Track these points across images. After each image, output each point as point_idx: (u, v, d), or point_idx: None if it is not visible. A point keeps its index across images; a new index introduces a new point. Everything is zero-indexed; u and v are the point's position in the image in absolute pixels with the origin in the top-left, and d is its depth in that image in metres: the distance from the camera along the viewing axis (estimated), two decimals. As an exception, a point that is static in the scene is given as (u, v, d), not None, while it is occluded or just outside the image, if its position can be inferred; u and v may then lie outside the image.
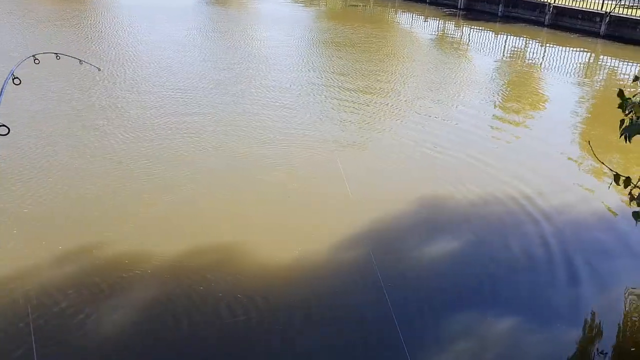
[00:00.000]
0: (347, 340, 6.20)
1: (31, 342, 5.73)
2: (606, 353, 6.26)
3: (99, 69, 6.50)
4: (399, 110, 14.34)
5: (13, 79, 4.85)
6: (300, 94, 15.23)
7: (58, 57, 6.30)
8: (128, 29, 24.16)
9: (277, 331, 6.26)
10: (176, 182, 9.53)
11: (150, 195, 9.06)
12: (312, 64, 19.37)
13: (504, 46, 25.66)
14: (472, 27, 30.58)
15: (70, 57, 7.15)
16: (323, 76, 17.45)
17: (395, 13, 35.62)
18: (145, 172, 9.83)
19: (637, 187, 5.11)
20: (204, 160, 10.48)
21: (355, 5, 38.25)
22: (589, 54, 24.46)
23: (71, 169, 9.85)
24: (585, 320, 6.68)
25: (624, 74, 20.87)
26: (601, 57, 24.21)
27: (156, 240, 7.81)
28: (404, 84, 17.29)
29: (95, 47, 20.42)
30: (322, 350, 6.07)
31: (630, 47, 24.33)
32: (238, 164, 10.43)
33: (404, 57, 22.15)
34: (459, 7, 35.46)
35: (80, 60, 5.87)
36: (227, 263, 7.43)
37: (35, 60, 6.03)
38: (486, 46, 25.57)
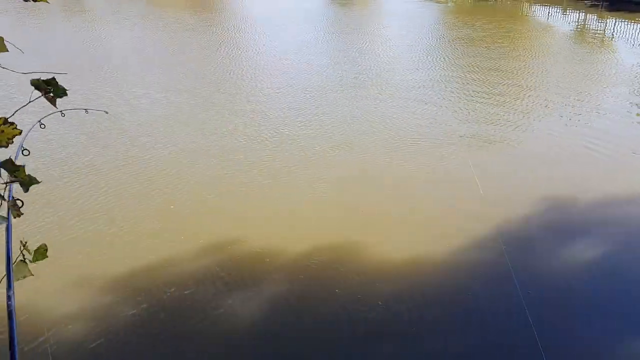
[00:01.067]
0: (481, 349, 6.12)
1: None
2: None
3: (107, 112, 6.37)
4: (540, 106, 14.41)
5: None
6: (439, 89, 15.91)
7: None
8: (255, 36, 26.33)
9: (404, 334, 6.28)
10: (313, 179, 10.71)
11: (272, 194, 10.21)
12: (449, 61, 19.84)
13: (656, 39, 23.84)
14: (618, 18, 28.63)
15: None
16: (460, 74, 17.91)
17: (530, 7, 34.34)
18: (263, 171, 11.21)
19: None
20: (335, 158, 11.38)
21: (486, 0, 37.45)
22: None
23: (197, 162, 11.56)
24: None
25: None
26: None
27: (281, 236, 8.19)
28: (546, 80, 17.15)
29: (228, 51, 22.78)
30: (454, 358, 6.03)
31: None
32: (366, 163, 10.91)
33: (543, 53, 21.66)
34: (602, -3, 33.29)
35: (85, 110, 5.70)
36: (345, 262, 7.57)
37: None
38: (634, 39, 23.95)
